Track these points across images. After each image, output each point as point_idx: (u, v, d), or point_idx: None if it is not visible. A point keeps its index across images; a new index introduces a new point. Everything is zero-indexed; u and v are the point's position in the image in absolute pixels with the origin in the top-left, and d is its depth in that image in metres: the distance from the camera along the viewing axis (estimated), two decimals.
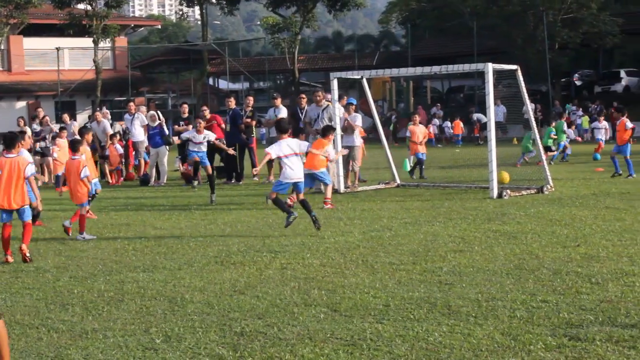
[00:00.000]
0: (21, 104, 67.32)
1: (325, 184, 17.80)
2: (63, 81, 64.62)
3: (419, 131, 25.84)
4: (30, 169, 12.76)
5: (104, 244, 13.97)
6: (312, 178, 17.34)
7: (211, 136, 21.90)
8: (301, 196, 14.79)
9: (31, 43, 69.52)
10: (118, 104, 63.24)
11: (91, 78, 63.49)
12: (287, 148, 14.73)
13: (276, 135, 15.83)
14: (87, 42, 64.28)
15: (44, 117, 30.25)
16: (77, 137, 19.50)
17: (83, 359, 7.43)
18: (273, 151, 14.79)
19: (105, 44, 66.31)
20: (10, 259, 12.46)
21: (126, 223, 16.38)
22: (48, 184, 27.14)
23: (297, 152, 14.82)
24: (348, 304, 8.97)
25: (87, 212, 15.39)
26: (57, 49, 64.76)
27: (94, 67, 62.74)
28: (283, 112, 24.77)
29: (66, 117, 30.27)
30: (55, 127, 28.48)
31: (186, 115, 27.64)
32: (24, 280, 11.12)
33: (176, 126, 27.41)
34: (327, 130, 17.83)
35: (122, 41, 73.44)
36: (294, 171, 14.67)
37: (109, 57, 72.50)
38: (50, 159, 27.74)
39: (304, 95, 24.32)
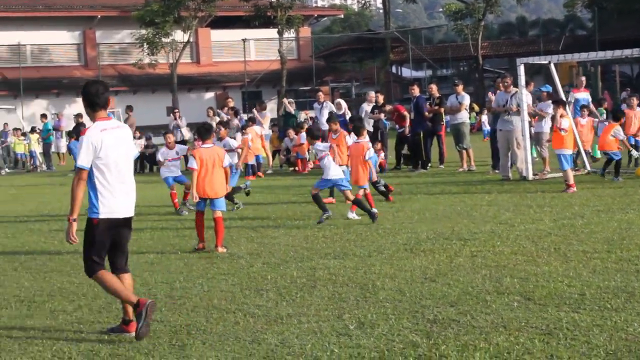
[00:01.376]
0: (209, 95, 69.18)
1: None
2: (249, 72, 65.95)
3: (635, 115, 23.75)
4: (228, 159, 13.11)
5: (295, 232, 14.20)
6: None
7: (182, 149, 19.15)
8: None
9: (218, 35, 71.34)
10: (303, 94, 64.09)
11: (276, 68, 64.56)
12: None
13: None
14: (272, 33, 65.36)
15: (230, 108, 30.88)
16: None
17: (279, 344, 7.56)
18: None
19: (289, 34, 67.30)
20: (203, 245, 12.81)
21: (315, 211, 16.57)
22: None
23: None
24: (542, 293, 8.81)
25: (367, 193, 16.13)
26: (244, 40, 66.09)
27: (279, 58, 63.74)
28: (465, 99, 24.60)
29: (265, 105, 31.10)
30: (231, 119, 29.23)
31: (381, 102, 27.74)
32: (220, 266, 11.43)
33: (370, 114, 27.58)
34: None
35: (306, 31, 74.42)
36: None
37: (294, 47, 73.63)
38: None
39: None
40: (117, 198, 8.01)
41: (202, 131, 13.24)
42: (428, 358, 6.96)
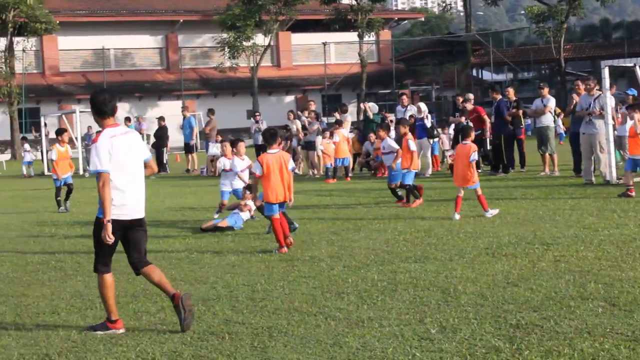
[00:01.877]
0: (289, 99, 69.57)
1: None
2: (329, 75, 66.14)
3: None
4: (292, 163, 13.30)
5: (375, 235, 14.17)
6: None
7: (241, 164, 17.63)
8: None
9: (299, 39, 71.72)
10: (383, 97, 64.05)
11: (356, 71, 64.67)
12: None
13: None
14: (352, 36, 65.56)
15: (310, 112, 30.92)
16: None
17: (361, 347, 7.55)
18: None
19: (369, 37, 67.40)
20: (285, 249, 12.89)
21: (395, 214, 16.53)
22: (316, 175, 27.91)
23: None
24: (627, 298, 8.67)
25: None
26: (324, 43, 66.33)
27: (359, 61, 63.82)
28: (551, 102, 24.35)
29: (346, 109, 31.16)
30: (313, 123, 29.27)
31: (461, 100, 27.57)
32: (300, 269, 11.45)
33: (451, 117, 27.46)
34: None
35: (386, 34, 74.52)
36: None
37: (374, 50, 73.70)
38: (314, 152, 28.52)
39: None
40: (126, 200, 8.49)
41: (267, 136, 13.42)
42: None
